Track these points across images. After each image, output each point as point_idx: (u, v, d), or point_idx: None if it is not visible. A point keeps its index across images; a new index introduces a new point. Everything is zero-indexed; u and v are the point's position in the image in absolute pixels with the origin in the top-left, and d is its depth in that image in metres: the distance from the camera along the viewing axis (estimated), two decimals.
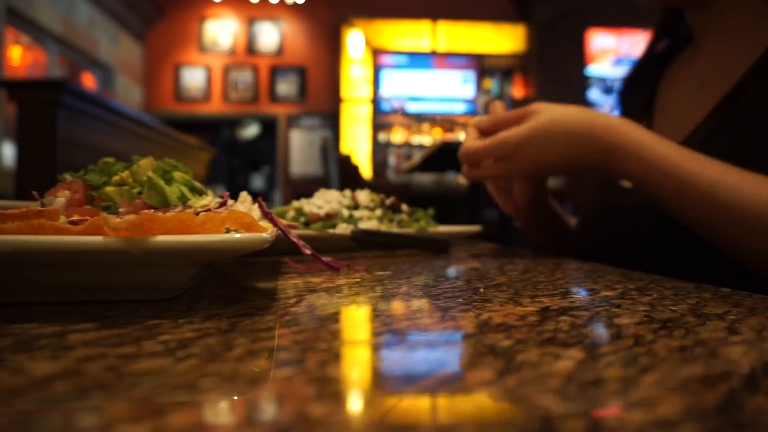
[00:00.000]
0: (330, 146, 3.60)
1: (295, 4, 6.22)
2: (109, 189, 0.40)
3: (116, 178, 0.41)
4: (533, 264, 0.54)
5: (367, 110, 6.18)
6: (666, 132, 0.66)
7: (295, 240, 0.43)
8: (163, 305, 0.30)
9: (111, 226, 0.27)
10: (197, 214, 0.35)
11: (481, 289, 0.38)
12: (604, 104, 5.93)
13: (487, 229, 0.90)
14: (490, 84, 6.32)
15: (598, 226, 0.73)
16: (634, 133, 0.55)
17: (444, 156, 2.71)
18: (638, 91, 0.81)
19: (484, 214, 2.59)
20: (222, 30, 6.21)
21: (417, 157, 2.95)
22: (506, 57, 6.27)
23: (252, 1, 6.20)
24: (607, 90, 6.04)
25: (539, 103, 0.58)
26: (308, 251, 0.44)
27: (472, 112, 6.11)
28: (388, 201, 0.77)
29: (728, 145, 0.58)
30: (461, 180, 3.74)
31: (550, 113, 0.57)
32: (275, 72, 6.23)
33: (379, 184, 2.94)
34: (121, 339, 0.23)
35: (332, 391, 0.18)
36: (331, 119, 6.23)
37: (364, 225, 0.68)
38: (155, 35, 6.13)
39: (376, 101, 6.12)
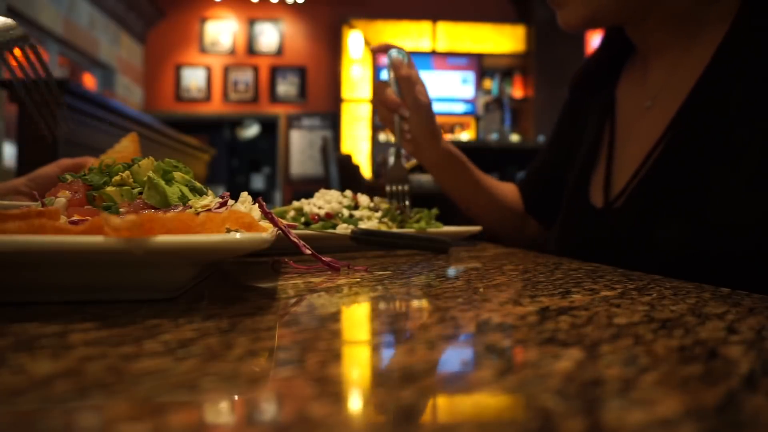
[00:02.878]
0: (330, 146, 3.60)
1: (295, 3, 6.22)
2: (109, 189, 0.40)
3: (117, 178, 0.41)
4: (533, 264, 0.54)
5: (367, 110, 6.18)
6: (629, 149, 0.71)
7: (295, 240, 0.43)
8: (163, 305, 0.30)
9: (112, 227, 0.27)
10: (198, 214, 0.35)
11: (481, 289, 0.38)
12: None
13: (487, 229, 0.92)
14: (490, 84, 6.31)
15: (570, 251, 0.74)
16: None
17: None
18: (594, 92, 0.83)
19: None
20: (222, 30, 6.21)
21: None
22: (506, 57, 6.27)
23: (252, 1, 6.20)
24: None
25: None
26: (308, 251, 0.44)
27: (472, 113, 6.10)
28: (397, 206, 0.77)
29: (685, 159, 0.61)
30: None
31: None
32: (275, 72, 6.23)
33: (379, 184, 2.94)
34: (121, 339, 0.23)
35: (332, 391, 0.18)
36: (331, 119, 6.23)
37: (364, 225, 0.68)
38: (156, 36, 6.13)
39: None
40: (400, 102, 0.83)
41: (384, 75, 0.88)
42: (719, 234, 0.56)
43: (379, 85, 0.86)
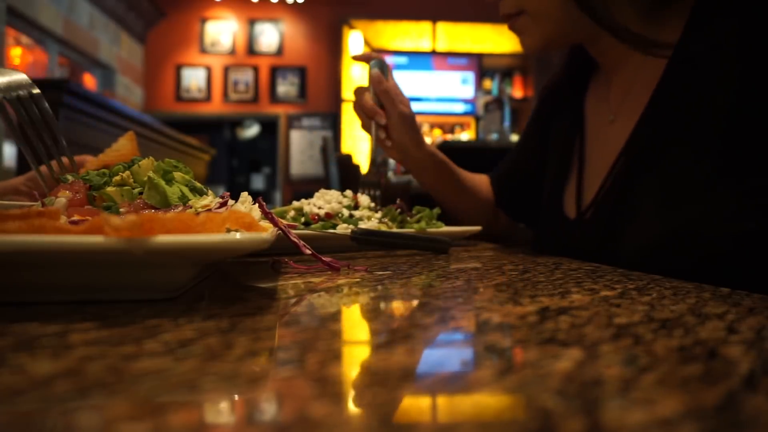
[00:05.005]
0: (330, 146, 3.59)
1: (295, 3, 6.22)
2: (109, 189, 0.40)
3: (117, 178, 0.41)
4: (533, 264, 0.54)
5: None
6: (596, 162, 0.74)
7: (295, 240, 0.44)
8: (163, 305, 0.30)
9: (112, 226, 0.27)
10: (198, 214, 0.35)
11: (481, 289, 0.38)
12: None
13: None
14: (490, 84, 6.31)
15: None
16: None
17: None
18: (562, 105, 0.86)
19: None
20: (222, 30, 6.20)
21: None
22: (506, 57, 6.27)
23: (252, 1, 6.20)
24: None
25: None
26: (308, 251, 0.44)
27: (472, 113, 6.10)
28: (397, 203, 0.77)
29: (645, 170, 0.63)
30: None
31: None
32: (275, 72, 6.23)
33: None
34: (121, 338, 0.23)
35: (332, 391, 0.18)
36: (331, 119, 6.23)
37: (364, 225, 0.68)
38: (156, 36, 6.13)
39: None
40: (377, 109, 0.85)
41: (364, 80, 0.90)
42: (682, 241, 0.57)
43: (358, 91, 0.89)
